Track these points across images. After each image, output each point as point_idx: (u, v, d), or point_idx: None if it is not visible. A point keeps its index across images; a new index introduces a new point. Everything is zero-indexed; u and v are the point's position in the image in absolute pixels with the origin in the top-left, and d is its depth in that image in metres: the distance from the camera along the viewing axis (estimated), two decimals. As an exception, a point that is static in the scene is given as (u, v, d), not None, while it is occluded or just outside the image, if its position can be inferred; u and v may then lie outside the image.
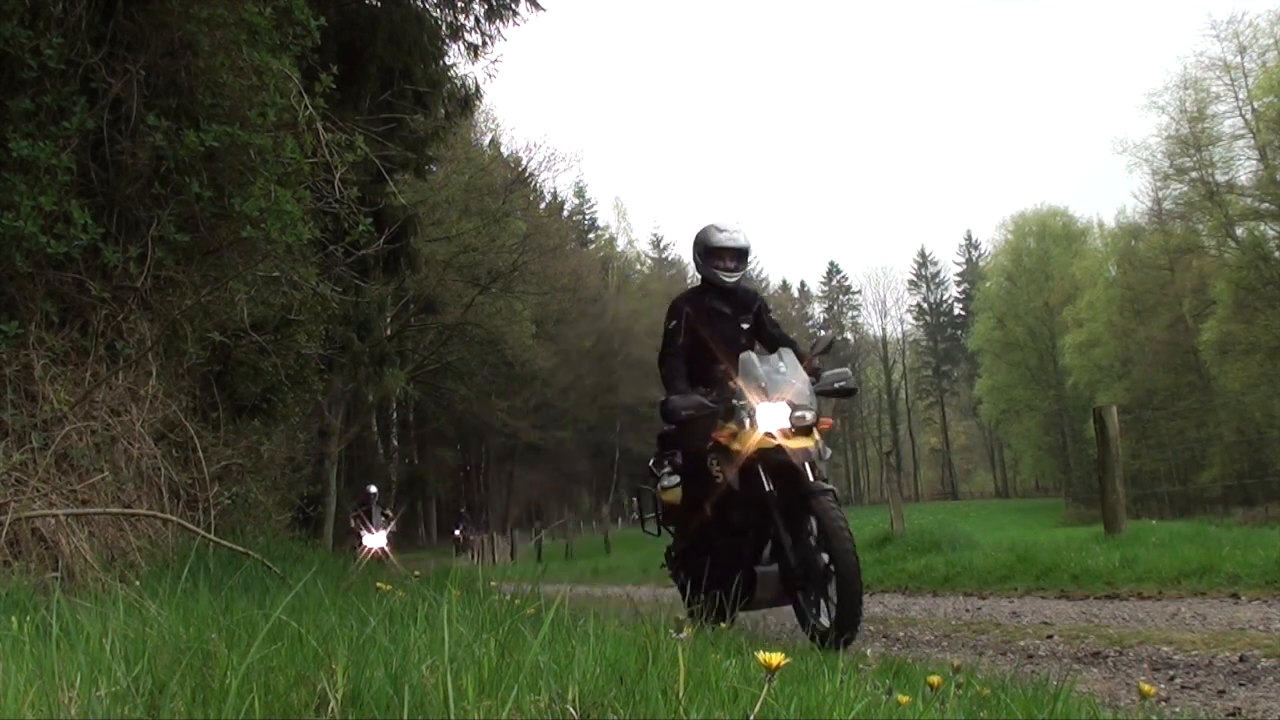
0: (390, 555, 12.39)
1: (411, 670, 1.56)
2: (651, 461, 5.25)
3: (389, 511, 14.92)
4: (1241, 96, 39.87)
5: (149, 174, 5.11)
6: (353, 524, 14.30)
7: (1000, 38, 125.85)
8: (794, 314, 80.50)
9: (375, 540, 13.19)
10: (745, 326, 4.71)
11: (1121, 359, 47.43)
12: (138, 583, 3.26)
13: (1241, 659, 3.36)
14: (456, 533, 30.63)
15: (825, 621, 3.93)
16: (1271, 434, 35.29)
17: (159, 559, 4.32)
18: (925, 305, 79.00)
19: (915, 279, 79.46)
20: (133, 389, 5.01)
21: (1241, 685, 3.00)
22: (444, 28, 10.40)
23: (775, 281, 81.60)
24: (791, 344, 4.64)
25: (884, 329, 79.14)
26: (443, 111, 11.36)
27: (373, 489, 14.89)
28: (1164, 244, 44.28)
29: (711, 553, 4.22)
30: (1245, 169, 40.72)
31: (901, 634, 4.83)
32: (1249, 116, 39.55)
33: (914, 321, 79.36)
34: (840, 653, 3.17)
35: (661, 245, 75.46)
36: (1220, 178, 40.84)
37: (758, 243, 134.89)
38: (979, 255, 75.47)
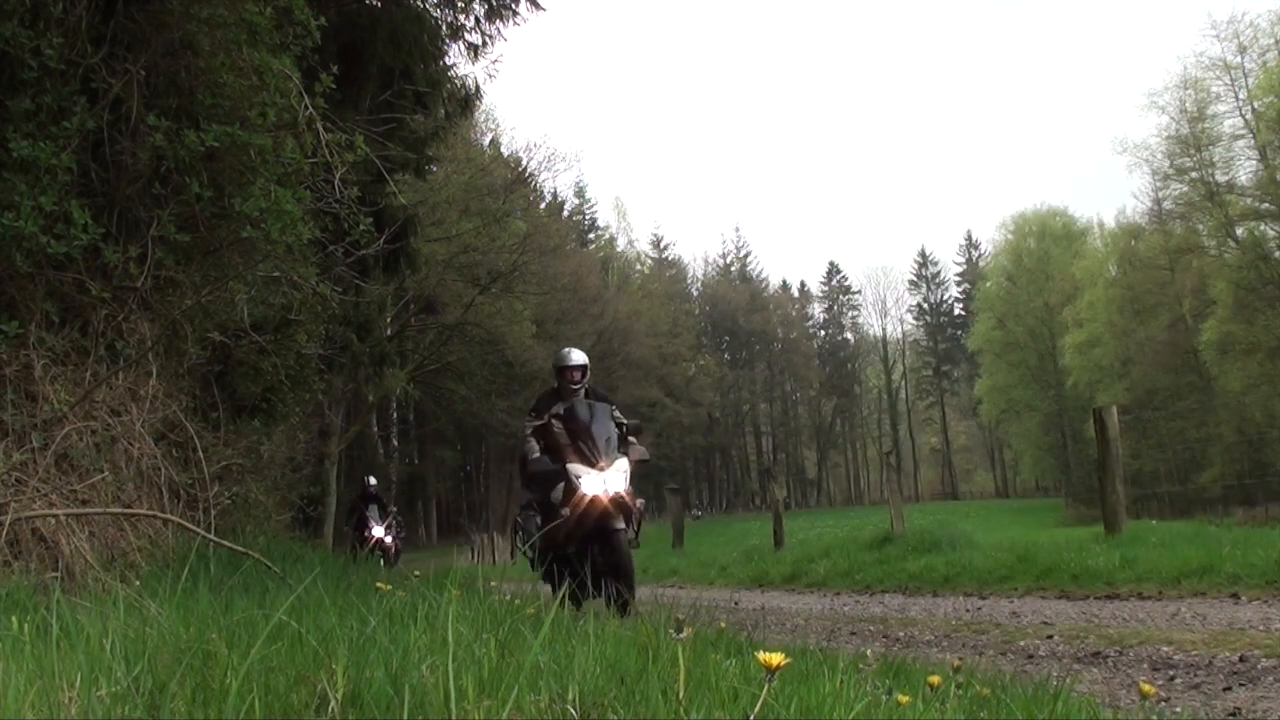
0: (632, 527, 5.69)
1: (411, 670, 1.56)
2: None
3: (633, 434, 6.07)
4: (1241, 96, 39.89)
5: (149, 174, 5.11)
6: (531, 460, 5.83)
7: (1000, 38, 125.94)
8: (794, 314, 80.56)
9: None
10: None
11: (1121, 359, 47.41)
12: (138, 583, 3.26)
13: (1241, 659, 3.36)
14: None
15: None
16: (1271, 434, 35.27)
17: (159, 559, 4.31)
18: (925, 305, 79.01)
19: (915, 279, 79.50)
20: (133, 389, 5.01)
21: (1241, 685, 3.00)
22: (444, 28, 10.38)
23: (775, 282, 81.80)
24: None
25: (884, 329, 79.26)
26: (443, 111, 11.33)
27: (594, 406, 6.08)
28: (1164, 244, 44.27)
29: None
30: (1245, 169, 40.77)
31: (902, 634, 4.83)
32: (1249, 116, 39.56)
33: (914, 321, 79.47)
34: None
35: (661, 245, 75.55)
36: (1220, 178, 40.86)
37: (759, 242, 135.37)
38: (979, 255, 75.48)
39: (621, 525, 5.51)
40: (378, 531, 12.99)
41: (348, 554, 10.67)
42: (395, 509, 15.15)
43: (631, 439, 5.96)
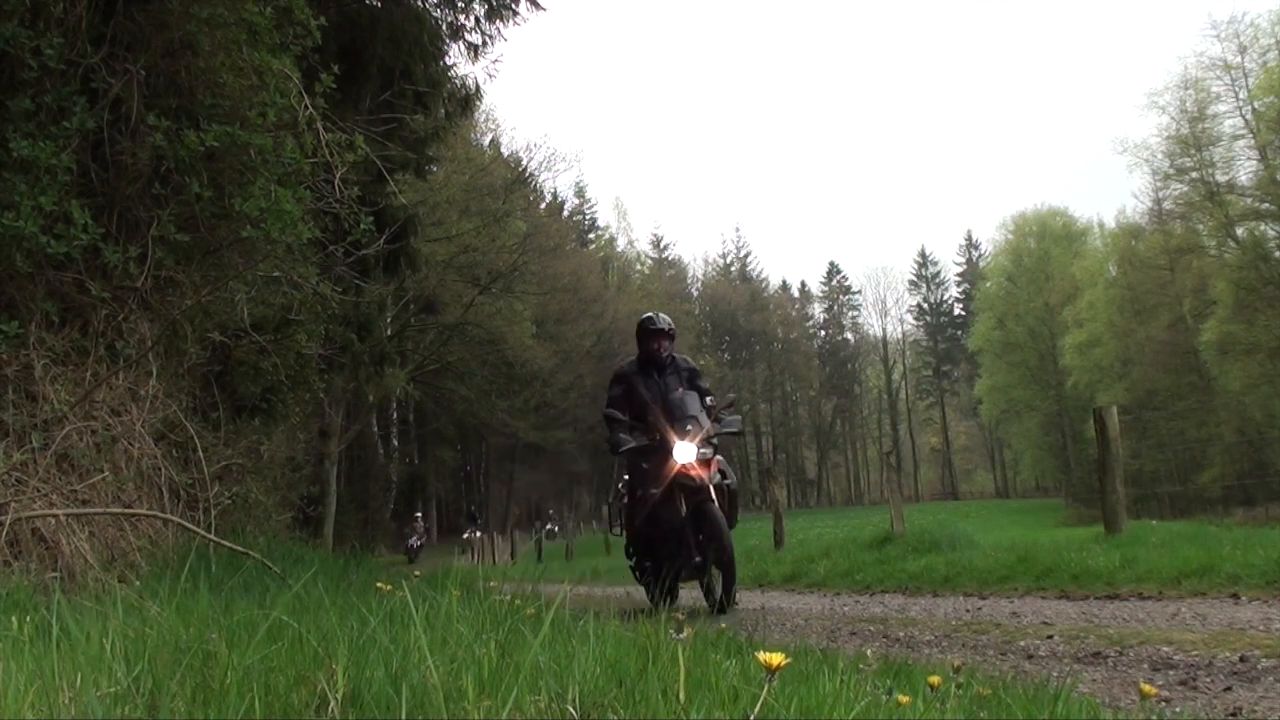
0: None
1: (411, 670, 1.56)
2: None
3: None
4: (1242, 96, 39.89)
5: (149, 174, 5.11)
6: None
7: (1000, 38, 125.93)
8: (794, 314, 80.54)
9: None
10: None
11: (1121, 359, 47.40)
12: (138, 583, 3.26)
13: (1241, 659, 3.36)
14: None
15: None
16: (1271, 434, 35.29)
17: (159, 559, 4.31)
18: (925, 305, 78.99)
19: (915, 279, 79.48)
20: (133, 389, 5.01)
21: (1242, 685, 3.00)
22: (444, 28, 10.40)
23: (775, 282, 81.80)
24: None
25: (884, 329, 79.26)
26: (443, 111, 11.35)
27: None
28: (1164, 244, 44.25)
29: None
30: (1245, 169, 40.75)
31: (902, 634, 4.82)
32: (1249, 116, 39.55)
33: (914, 321, 79.47)
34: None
35: (661, 245, 75.54)
36: (1220, 178, 40.85)
37: (759, 242, 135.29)
38: (979, 255, 75.44)
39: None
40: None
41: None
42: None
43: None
